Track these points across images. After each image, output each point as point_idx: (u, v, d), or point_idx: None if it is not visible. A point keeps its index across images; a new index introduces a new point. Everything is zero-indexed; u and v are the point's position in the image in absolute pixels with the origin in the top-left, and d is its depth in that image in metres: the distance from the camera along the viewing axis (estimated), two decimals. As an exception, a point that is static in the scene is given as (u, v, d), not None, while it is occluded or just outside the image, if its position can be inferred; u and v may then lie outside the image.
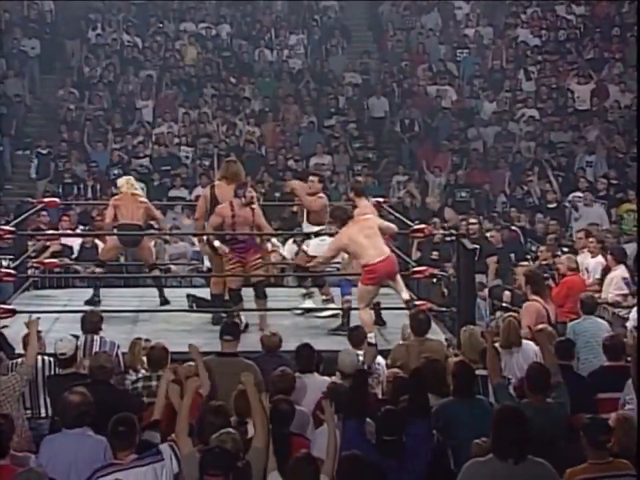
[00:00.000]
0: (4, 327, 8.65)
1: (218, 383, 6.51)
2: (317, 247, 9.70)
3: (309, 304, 10.07)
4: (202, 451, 5.29)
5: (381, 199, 11.64)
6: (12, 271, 9.64)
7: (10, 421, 5.80)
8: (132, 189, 10.35)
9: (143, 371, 7.48)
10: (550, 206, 15.50)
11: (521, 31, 20.44)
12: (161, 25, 20.42)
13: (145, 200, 10.47)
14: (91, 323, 7.97)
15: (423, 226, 10.07)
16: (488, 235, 13.12)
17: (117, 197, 10.50)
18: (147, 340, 7.84)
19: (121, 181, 10.63)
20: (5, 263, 10.95)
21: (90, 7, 20.80)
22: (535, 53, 19.88)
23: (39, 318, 7.37)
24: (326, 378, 7.11)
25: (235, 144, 17.29)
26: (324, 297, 10.02)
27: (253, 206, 9.40)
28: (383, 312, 9.70)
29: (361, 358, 7.29)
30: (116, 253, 10.75)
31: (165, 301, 10.28)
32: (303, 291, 10.35)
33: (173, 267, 12.77)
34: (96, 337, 7.87)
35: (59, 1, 20.56)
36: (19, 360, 7.30)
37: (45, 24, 20.23)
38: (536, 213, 15.22)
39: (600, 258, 11.36)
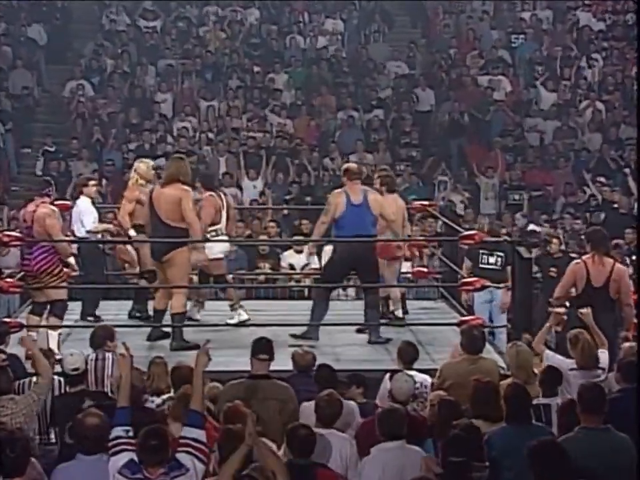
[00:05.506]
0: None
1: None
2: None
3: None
4: None
5: (426, 202, 11.71)
6: (18, 282, 9.67)
7: (27, 439, 5.64)
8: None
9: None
10: (621, 211, 15.32)
11: (583, 14, 20.34)
12: (182, 9, 20.53)
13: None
14: (102, 338, 7.91)
15: (473, 232, 10.05)
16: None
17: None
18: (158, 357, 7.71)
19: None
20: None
21: (104, -11, 20.98)
22: (600, 39, 19.77)
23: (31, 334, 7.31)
24: (351, 402, 7.05)
25: (264, 140, 17.31)
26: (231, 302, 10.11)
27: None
28: (430, 328, 9.81)
29: (416, 379, 7.28)
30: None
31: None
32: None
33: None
34: (107, 354, 7.75)
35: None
36: (33, 379, 7.26)
37: (55, 8, 20.38)
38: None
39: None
